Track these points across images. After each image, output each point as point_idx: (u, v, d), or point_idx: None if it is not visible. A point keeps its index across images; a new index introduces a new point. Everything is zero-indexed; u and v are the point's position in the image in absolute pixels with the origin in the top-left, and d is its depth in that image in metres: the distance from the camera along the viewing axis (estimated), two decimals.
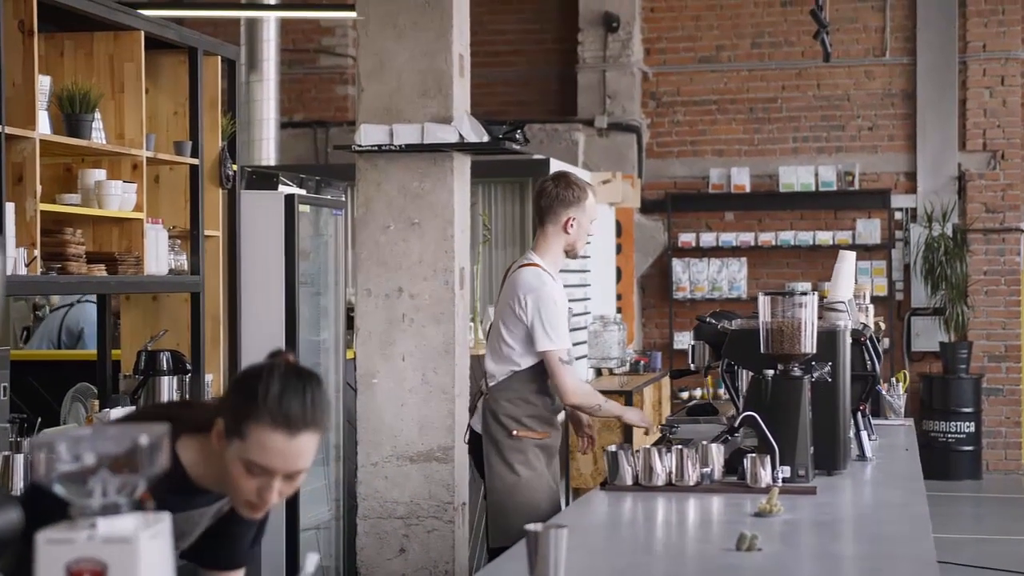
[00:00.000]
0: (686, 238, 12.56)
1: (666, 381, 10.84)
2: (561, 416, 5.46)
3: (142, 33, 4.97)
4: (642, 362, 10.51)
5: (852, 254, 5.60)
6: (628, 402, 8.91)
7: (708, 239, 12.52)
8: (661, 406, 10.29)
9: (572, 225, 4.94)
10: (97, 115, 4.77)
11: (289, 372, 2.46)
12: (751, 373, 4.52)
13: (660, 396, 10.61)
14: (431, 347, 5.48)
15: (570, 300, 6.13)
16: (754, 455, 4.15)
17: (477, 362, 7.65)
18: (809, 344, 4.35)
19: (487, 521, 5.02)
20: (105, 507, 1.75)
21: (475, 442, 5.03)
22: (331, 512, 6.44)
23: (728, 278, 12.48)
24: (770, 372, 4.35)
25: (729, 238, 12.48)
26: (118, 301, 5.79)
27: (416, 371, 5.48)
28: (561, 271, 5.13)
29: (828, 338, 4.49)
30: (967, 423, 11.87)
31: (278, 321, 5.91)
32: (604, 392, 8.63)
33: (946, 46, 12.23)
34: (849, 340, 4.67)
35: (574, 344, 6.50)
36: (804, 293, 4.40)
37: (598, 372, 10.05)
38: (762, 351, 4.37)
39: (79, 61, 4.95)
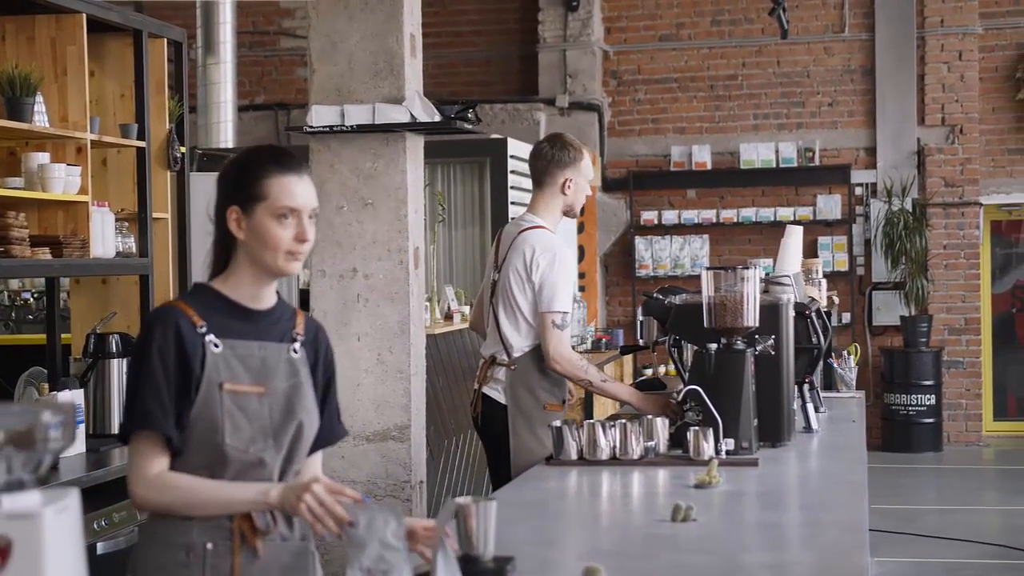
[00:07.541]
0: (648, 216, 12.60)
1: (628, 358, 10.88)
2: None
3: (84, 16, 4.94)
4: (604, 340, 10.55)
5: (799, 229, 5.64)
6: None
7: (670, 217, 12.55)
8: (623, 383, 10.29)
9: (569, 186, 4.89)
10: (39, 98, 4.76)
11: (262, 146, 2.89)
12: (695, 347, 4.56)
13: (622, 373, 10.65)
14: (386, 327, 5.48)
15: None
16: (697, 428, 4.19)
17: (461, 336, 7.68)
18: (751, 318, 4.38)
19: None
20: (9, 483, 1.76)
21: (488, 411, 4.90)
22: None
23: (690, 255, 12.53)
24: (713, 346, 4.38)
25: (691, 215, 12.52)
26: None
27: (371, 351, 5.48)
28: None
29: (771, 312, 4.54)
30: (928, 396, 11.96)
31: None
32: None
33: (904, 21, 12.28)
34: (792, 314, 4.71)
35: None
36: (746, 268, 4.44)
37: None
38: (705, 325, 4.41)
39: (21, 45, 4.93)
